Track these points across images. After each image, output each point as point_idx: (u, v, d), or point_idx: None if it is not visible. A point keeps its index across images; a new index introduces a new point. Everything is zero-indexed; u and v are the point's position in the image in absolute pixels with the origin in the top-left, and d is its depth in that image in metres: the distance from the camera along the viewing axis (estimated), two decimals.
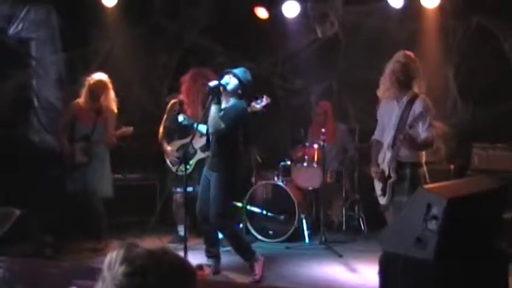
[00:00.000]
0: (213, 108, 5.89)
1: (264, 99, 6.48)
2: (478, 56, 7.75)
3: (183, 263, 1.83)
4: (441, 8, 7.84)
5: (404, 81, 5.59)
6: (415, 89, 5.64)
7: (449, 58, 8.05)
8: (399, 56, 5.67)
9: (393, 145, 5.61)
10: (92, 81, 7.17)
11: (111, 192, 7.37)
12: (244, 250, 6.17)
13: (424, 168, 5.63)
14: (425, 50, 8.08)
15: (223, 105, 6.00)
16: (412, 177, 5.55)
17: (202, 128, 6.26)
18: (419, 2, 7.82)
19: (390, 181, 5.64)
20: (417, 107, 5.51)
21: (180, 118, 6.70)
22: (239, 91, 6.05)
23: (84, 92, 7.21)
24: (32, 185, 7.34)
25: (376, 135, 5.97)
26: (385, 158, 5.72)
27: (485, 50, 7.76)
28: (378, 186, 5.84)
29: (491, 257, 4.31)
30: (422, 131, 5.43)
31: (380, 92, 5.78)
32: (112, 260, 1.76)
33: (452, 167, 7.41)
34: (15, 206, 6.60)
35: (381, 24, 8.07)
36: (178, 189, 7.30)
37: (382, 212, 6.01)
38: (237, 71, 6.08)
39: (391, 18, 8.06)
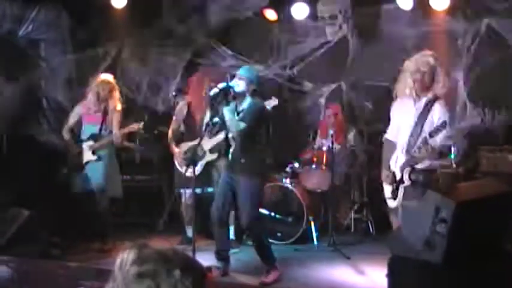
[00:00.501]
0: (227, 112, 5.91)
1: (272, 101, 6.50)
2: (488, 59, 7.73)
3: (194, 264, 1.84)
4: (450, 10, 7.83)
5: (427, 83, 5.45)
6: (434, 90, 5.47)
7: (459, 61, 8.02)
8: (428, 57, 5.50)
9: (408, 149, 5.50)
10: (98, 83, 7.21)
11: (121, 193, 7.39)
12: (266, 253, 6.21)
13: (437, 173, 5.61)
14: (434, 53, 8.07)
15: (240, 108, 6.04)
16: (425, 183, 5.42)
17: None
18: (429, 4, 7.80)
19: (403, 185, 5.54)
20: (436, 114, 5.38)
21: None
22: (251, 89, 6.06)
23: (91, 93, 7.24)
24: (40, 185, 7.37)
25: (388, 135, 5.86)
26: (397, 161, 5.63)
27: (495, 52, 7.74)
28: (387, 188, 5.75)
29: (500, 259, 4.31)
30: (441, 139, 5.20)
31: (399, 90, 5.64)
32: (123, 261, 1.77)
33: (460, 169, 7.38)
34: (23, 207, 6.64)
35: (390, 27, 8.05)
36: (187, 191, 7.31)
37: (388, 214, 5.97)
38: (242, 71, 6.10)
39: (400, 20, 8.04)
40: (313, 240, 7.74)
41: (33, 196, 7.06)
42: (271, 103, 6.49)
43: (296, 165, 8.17)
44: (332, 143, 7.61)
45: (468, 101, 8.02)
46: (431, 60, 5.45)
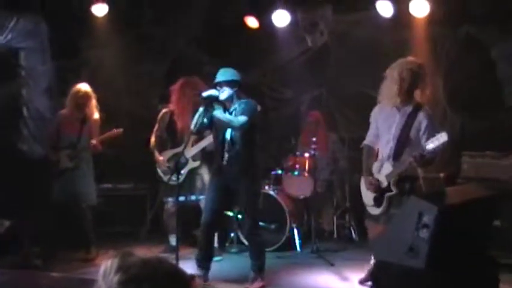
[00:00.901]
0: (219, 113, 5.95)
1: None
2: (467, 65, 7.79)
3: (178, 271, 1.83)
4: (430, 17, 7.87)
5: (409, 89, 5.49)
6: (417, 98, 5.53)
7: (438, 67, 8.08)
8: (412, 63, 5.53)
9: (394, 157, 5.54)
10: (75, 92, 7.27)
11: (95, 200, 7.35)
12: (261, 260, 6.21)
13: (421, 180, 5.63)
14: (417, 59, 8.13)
15: (231, 109, 6.08)
16: (411, 190, 5.47)
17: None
18: (409, 11, 7.85)
19: (389, 194, 5.55)
20: (423, 121, 5.43)
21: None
22: (236, 93, 6.12)
23: (69, 102, 7.32)
24: (20, 194, 7.31)
25: (367, 141, 5.90)
26: (381, 169, 5.65)
27: (474, 59, 7.81)
28: (369, 195, 5.77)
29: (482, 265, 4.34)
30: (427, 146, 5.13)
31: (382, 97, 5.67)
32: (107, 269, 1.76)
33: (442, 175, 7.43)
34: (4, 217, 6.59)
35: (371, 34, 8.10)
36: (170, 199, 7.30)
37: (365, 218, 6.05)
38: (220, 78, 6.08)
39: (380, 27, 8.08)
40: (296, 247, 7.76)
41: (13, 205, 7.00)
42: None
43: (278, 171, 8.19)
44: (314, 150, 7.64)
45: (448, 106, 8.08)
46: (413, 67, 5.49)
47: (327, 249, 7.60)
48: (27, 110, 8.32)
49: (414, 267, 3.83)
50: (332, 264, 6.97)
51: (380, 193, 5.64)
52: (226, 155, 6.11)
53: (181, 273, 1.84)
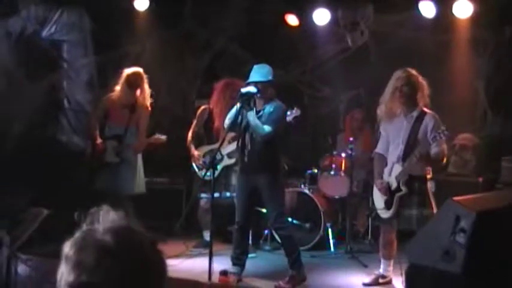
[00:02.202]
0: (250, 115, 5.99)
1: (294, 111, 6.51)
2: (510, 69, 7.69)
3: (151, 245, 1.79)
4: (473, 18, 7.79)
5: (410, 96, 5.82)
6: (421, 103, 5.85)
7: (481, 70, 7.99)
8: (399, 73, 5.88)
9: (404, 158, 5.80)
10: (129, 73, 7.07)
11: (144, 188, 7.34)
12: (294, 255, 6.20)
13: (431, 182, 5.89)
14: (456, 61, 8.06)
15: (260, 110, 6.10)
16: (420, 190, 5.79)
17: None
18: (451, 12, 7.77)
19: (399, 194, 5.82)
20: (429, 124, 5.75)
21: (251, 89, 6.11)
22: (269, 92, 6.15)
23: (120, 84, 7.10)
24: (59, 185, 7.43)
25: (378, 149, 6.20)
26: (391, 172, 5.93)
27: None
28: (380, 199, 6.05)
29: None
30: (433, 147, 5.65)
31: (384, 111, 5.99)
32: (72, 245, 1.68)
33: (481, 179, 7.36)
34: (43, 206, 6.69)
35: (412, 35, 8.03)
36: (204, 195, 7.33)
37: (378, 224, 6.46)
38: (255, 77, 6.10)
39: (422, 28, 8.02)
40: (330, 247, 7.73)
41: (52, 195, 7.11)
42: (293, 114, 6.50)
43: (315, 171, 8.18)
44: (351, 150, 7.61)
45: (489, 109, 7.99)
46: (402, 74, 5.85)
47: (360, 250, 7.56)
48: (68, 102, 8.46)
49: (450, 271, 3.80)
50: (365, 266, 6.93)
51: (390, 195, 5.91)
52: (246, 151, 6.15)
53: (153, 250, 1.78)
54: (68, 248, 1.69)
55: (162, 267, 1.76)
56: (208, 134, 7.46)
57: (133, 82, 7.05)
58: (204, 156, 7.36)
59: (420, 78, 5.87)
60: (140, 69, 7.17)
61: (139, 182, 7.32)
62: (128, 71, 7.13)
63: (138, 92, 7.11)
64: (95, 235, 1.69)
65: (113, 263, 1.64)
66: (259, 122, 5.99)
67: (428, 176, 5.89)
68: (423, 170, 5.81)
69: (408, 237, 5.62)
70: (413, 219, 5.81)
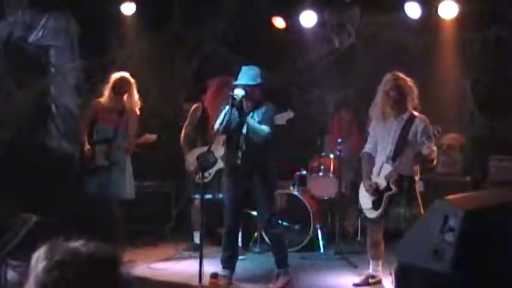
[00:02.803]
0: (251, 121, 6.05)
1: (286, 114, 6.54)
2: (496, 68, 7.74)
3: (103, 254, 1.83)
4: (459, 19, 7.84)
5: (398, 100, 5.94)
6: (410, 107, 5.97)
7: (467, 70, 8.05)
8: (388, 76, 5.99)
9: (394, 158, 5.90)
10: (115, 78, 7.13)
11: (133, 194, 7.35)
12: (283, 254, 6.29)
13: (419, 182, 6.06)
14: (442, 62, 8.12)
15: (252, 112, 6.15)
16: (408, 190, 5.88)
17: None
18: (437, 13, 7.82)
19: (388, 193, 5.92)
20: (419, 125, 5.88)
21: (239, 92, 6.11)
22: (260, 93, 6.20)
23: (107, 89, 7.16)
24: (48, 190, 7.40)
25: (367, 149, 6.28)
26: (380, 172, 6.01)
27: (504, 62, 7.75)
28: (367, 199, 6.14)
29: (508, 268, 4.30)
30: (424, 148, 5.72)
31: (375, 113, 6.09)
32: (35, 259, 1.79)
33: (468, 178, 7.40)
34: (32, 212, 6.66)
35: (398, 36, 8.08)
36: (198, 196, 7.31)
37: (365, 224, 6.58)
38: (244, 79, 6.12)
39: (408, 29, 8.08)
40: (319, 247, 7.77)
41: (41, 201, 7.08)
42: (286, 116, 6.53)
43: (303, 172, 8.19)
44: (340, 151, 7.62)
45: (476, 109, 8.03)
46: (391, 78, 5.96)
47: (350, 250, 7.59)
48: (56, 107, 8.41)
49: (439, 270, 3.80)
50: (355, 267, 6.97)
51: (379, 195, 6.00)
52: (240, 155, 6.14)
53: (105, 256, 1.83)
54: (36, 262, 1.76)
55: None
56: (201, 134, 7.45)
57: (120, 88, 7.12)
58: (197, 159, 7.32)
59: (409, 81, 5.95)
60: (127, 74, 7.23)
61: (130, 188, 7.31)
62: (114, 76, 7.18)
63: (125, 97, 7.15)
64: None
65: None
66: (257, 124, 6.01)
67: (417, 177, 5.99)
68: (412, 170, 5.90)
69: (396, 237, 5.68)
70: (401, 218, 5.87)
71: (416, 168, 5.94)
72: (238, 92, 6.00)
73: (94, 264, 1.78)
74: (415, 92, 5.96)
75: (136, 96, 7.22)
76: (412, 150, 5.75)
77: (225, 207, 6.41)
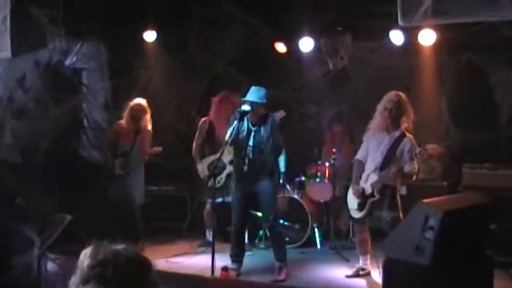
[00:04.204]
0: (249, 128, 6.21)
1: (279, 113, 6.63)
2: (468, 88, 7.80)
3: (139, 257, 1.91)
4: (436, 45, 7.89)
5: (396, 116, 5.93)
6: (404, 126, 5.96)
7: (443, 89, 8.10)
8: (391, 95, 5.98)
9: (381, 169, 5.92)
10: (132, 105, 7.34)
11: (142, 200, 7.45)
12: (282, 250, 6.36)
13: (401, 187, 6.14)
14: (422, 82, 8.15)
15: (256, 126, 6.23)
16: (390, 197, 5.93)
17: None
18: (417, 40, 7.88)
19: (372, 200, 5.96)
20: (406, 145, 5.86)
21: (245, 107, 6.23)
22: (264, 110, 6.26)
23: (126, 114, 7.37)
24: (81, 193, 7.48)
25: (359, 156, 6.27)
26: (368, 179, 6.03)
27: (474, 82, 7.80)
28: (354, 201, 6.17)
29: (479, 262, 4.38)
30: (407, 165, 5.76)
31: (373, 125, 6.08)
32: (82, 256, 1.86)
33: (445, 183, 7.44)
34: (67, 212, 6.74)
35: (384, 59, 8.11)
36: (210, 200, 7.39)
37: (353, 223, 6.65)
38: (251, 97, 6.19)
39: (393, 54, 8.09)
40: (316, 244, 7.82)
41: (74, 203, 7.17)
42: (279, 115, 6.62)
43: (302, 178, 8.26)
44: (334, 160, 7.69)
45: (451, 123, 8.09)
46: (394, 97, 5.94)
47: (343, 246, 7.62)
48: (87, 121, 8.51)
49: (420, 263, 3.87)
50: (347, 260, 7.01)
51: (364, 199, 6.03)
52: (247, 161, 6.22)
53: (141, 257, 1.92)
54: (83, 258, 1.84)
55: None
56: (210, 144, 7.52)
57: (135, 115, 7.33)
58: (208, 167, 7.40)
59: (409, 105, 6.00)
60: (142, 102, 7.40)
61: (140, 194, 7.44)
62: (132, 103, 7.37)
63: (141, 120, 7.35)
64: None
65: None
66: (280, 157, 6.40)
67: (399, 186, 6.05)
68: (395, 180, 5.93)
69: (380, 235, 5.80)
70: (382, 220, 5.93)
71: (399, 179, 5.97)
72: (244, 108, 6.11)
73: (131, 265, 1.86)
74: (412, 115, 6.00)
75: (149, 117, 7.40)
76: (396, 166, 5.78)
77: (232, 208, 6.47)
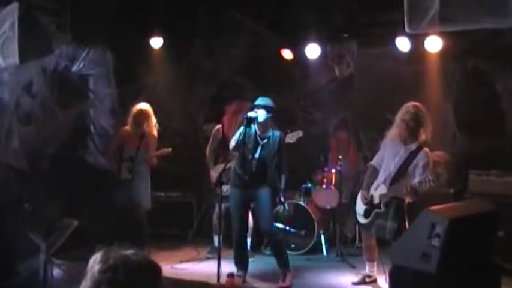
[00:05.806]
0: (258, 140, 6.21)
1: (297, 134, 6.61)
2: (474, 95, 7.80)
3: (149, 262, 1.91)
4: (442, 52, 7.89)
5: (413, 128, 5.83)
6: (421, 139, 5.85)
7: (449, 96, 8.09)
8: (409, 106, 5.87)
9: (391, 183, 5.84)
10: (136, 111, 7.39)
11: (150, 205, 7.45)
12: (284, 257, 6.33)
13: (405, 203, 5.89)
14: (428, 89, 8.13)
15: (262, 136, 6.24)
16: (396, 207, 5.83)
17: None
18: (424, 47, 7.89)
19: (377, 211, 5.90)
20: (421, 160, 5.75)
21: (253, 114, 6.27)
22: (270, 118, 6.25)
23: (130, 120, 7.42)
24: (87, 199, 7.51)
25: (374, 162, 6.19)
26: (378, 188, 5.95)
27: (480, 89, 7.80)
28: (361, 207, 6.11)
29: (486, 269, 4.37)
30: (418, 182, 5.59)
31: (391, 134, 5.99)
32: (92, 261, 1.87)
33: (451, 191, 7.43)
34: (73, 218, 6.76)
35: (390, 66, 8.12)
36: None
37: (360, 228, 6.59)
38: (259, 102, 6.22)
39: (399, 60, 8.10)
40: (322, 251, 7.80)
41: (81, 208, 7.19)
42: (296, 135, 6.60)
43: (308, 185, 8.26)
44: (340, 166, 7.69)
45: (457, 130, 8.08)
46: (411, 109, 5.84)
47: (349, 253, 7.61)
48: (94, 127, 8.54)
49: (426, 271, 3.88)
50: (353, 267, 7.01)
51: (371, 207, 5.98)
52: (248, 170, 6.23)
53: (152, 263, 1.92)
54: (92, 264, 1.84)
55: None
56: (223, 152, 7.50)
57: (138, 120, 7.37)
58: (220, 175, 7.38)
59: (428, 116, 5.89)
60: (145, 106, 7.43)
61: (146, 199, 7.44)
62: (135, 108, 7.41)
63: (145, 125, 7.37)
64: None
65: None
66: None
67: (406, 200, 5.91)
68: (403, 194, 5.81)
69: (387, 242, 5.79)
70: (385, 230, 5.86)
71: (408, 195, 5.84)
72: (252, 114, 6.13)
73: (142, 270, 1.86)
74: (430, 127, 5.90)
75: (154, 122, 7.42)
76: (408, 182, 5.68)
77: (232, 215, 6.45)
